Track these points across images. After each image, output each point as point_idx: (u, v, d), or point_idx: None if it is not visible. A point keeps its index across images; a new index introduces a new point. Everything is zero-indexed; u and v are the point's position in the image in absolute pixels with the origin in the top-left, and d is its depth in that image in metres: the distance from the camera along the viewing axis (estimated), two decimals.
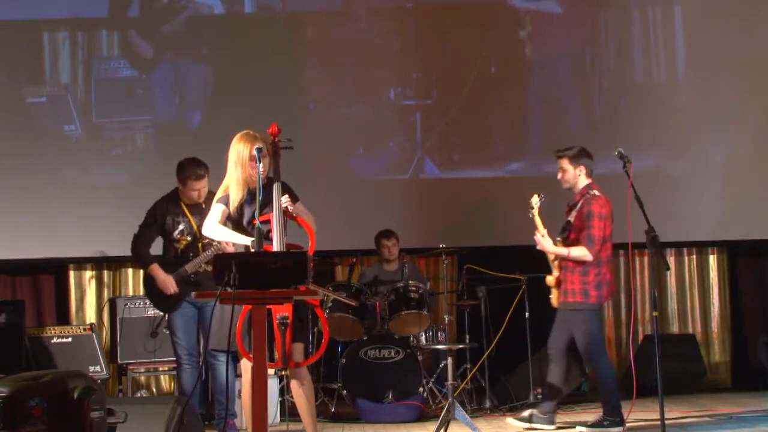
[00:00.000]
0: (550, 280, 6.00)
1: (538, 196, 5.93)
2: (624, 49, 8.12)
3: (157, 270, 6.02)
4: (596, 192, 5.86)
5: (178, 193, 6.07)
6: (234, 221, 4.91)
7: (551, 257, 5.98)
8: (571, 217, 5.88)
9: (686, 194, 7.89)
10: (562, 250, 5.84)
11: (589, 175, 5.92)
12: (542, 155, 7.94)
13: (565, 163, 5.91)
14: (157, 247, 6.21)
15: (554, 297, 6.01)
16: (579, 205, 5.85)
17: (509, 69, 8.02)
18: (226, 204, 4.89)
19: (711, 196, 7.95)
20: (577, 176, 5.90)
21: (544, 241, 5.89)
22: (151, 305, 6.44)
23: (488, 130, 8.00)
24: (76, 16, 7.83)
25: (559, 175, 5.95)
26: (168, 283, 5.97)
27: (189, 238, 6.02)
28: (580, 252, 5.79)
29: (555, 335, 5.97)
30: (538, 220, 5.93)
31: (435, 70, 8.01)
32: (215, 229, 4.89)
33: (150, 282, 6.10)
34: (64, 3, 7.84)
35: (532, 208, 5.93)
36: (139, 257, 6.19)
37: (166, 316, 6.16)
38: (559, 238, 5.90)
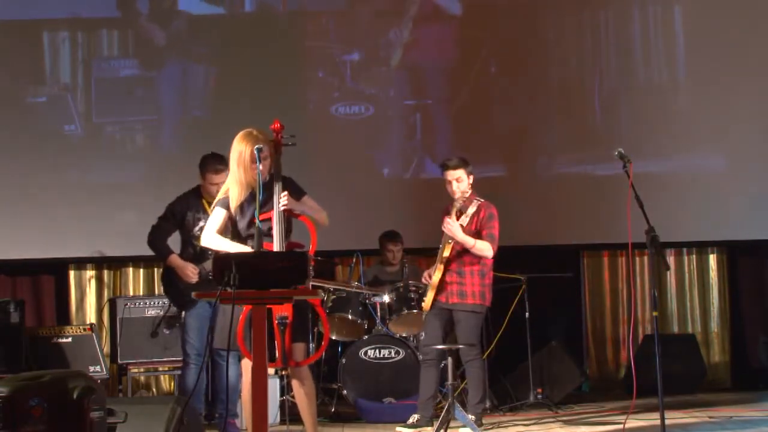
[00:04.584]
0: (435, 280, 5.90)
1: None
2: (624, 49, 8.11)
3: (175, 258, 5.88)
4: (482, 198, 5.95)
5: (200, 189, 5.94)
6: (234, 222, 4.87)
7: (443, 257, 5.88)
8: (463, 222, 5.87)
9: (686, 194, 7.88)
10: (468, 240, 5.80)
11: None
12: (542, 155, 7.96)
13: (463, 173, 5.95)
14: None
15: (429, 298, 5.94)
16: (475, 210, 5.88)
17: (509, 69, 8.02)
18: (227, 207, 4.80)
19: (711, 196, 7.93)
20: (470, 185, 5.96)
21: (455, 227, 5.82)
22: (153, 305, 6.41)
23: (488, 131, 7.99)
24: (76, 16, 7.82)
25: (456, 186, 5.94)
26: (188, 269, 5.82)
27: None
28: (485, 246, 5.82)
29: (432, 337, 5.96)
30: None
31: (435, 70, 8.01)
32: (214, 240, 4.76)
33: (168, 277, 5.99)
34: (64, 3, 7.83)
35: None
36: (156, 249, 6.02)
37: (182, 313, 6.03)
38: (449, 242, 5.86)
